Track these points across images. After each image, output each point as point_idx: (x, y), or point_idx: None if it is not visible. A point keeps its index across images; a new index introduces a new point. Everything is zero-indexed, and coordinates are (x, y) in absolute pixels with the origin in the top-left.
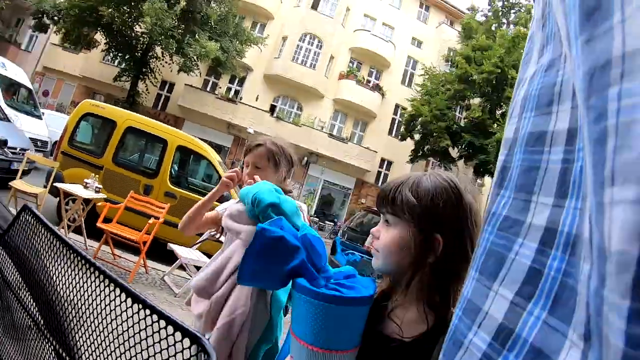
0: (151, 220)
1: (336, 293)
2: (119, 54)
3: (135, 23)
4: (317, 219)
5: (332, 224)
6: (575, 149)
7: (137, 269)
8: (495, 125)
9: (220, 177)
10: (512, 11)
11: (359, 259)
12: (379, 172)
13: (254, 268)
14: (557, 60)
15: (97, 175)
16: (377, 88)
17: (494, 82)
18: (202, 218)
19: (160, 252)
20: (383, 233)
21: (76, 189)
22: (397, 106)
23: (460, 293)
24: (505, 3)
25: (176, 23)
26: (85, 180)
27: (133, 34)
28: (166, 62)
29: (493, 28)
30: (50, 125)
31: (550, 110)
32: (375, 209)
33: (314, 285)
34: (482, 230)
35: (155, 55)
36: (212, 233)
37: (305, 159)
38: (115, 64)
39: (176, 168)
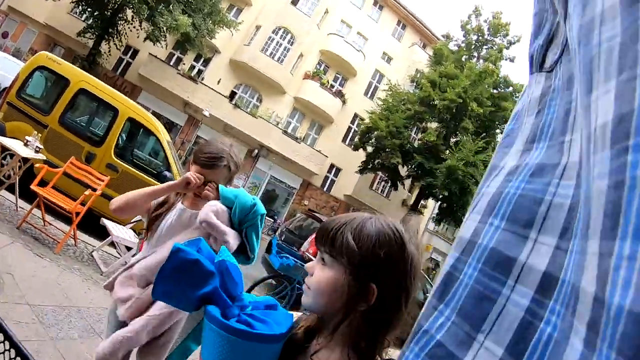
0: (87, 192)
1: (245, 328)
2: (89, 9)
3: None
4: None
5: (272, 220)
6: (549, 308)
7: (66, 240)
8: (447, 152)
9: (167, 158)
10: (485, 47)
11: (293, 263)
12: (327, 177)
13: (167, 287)
14: (550, 170)
15: (39, 134)
16: (340, 94)
17: (454, 110)
18: (144, 208)
19: (94, 225)
20: (317, 271)
21: (15, 146)
22: (355, 115)
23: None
24: (480, 38)
25: None
26: (27, 137)
27: None
28: (134, 27)
29: (463, 59)
30: (2, 69)
31: (527, 234)
32: (317, 214)
33: (227, 313)
34: (408, 348)
35: (125, 17)
36: None
37: (256, 151)
38: (83, 18)
39: (123, 140)
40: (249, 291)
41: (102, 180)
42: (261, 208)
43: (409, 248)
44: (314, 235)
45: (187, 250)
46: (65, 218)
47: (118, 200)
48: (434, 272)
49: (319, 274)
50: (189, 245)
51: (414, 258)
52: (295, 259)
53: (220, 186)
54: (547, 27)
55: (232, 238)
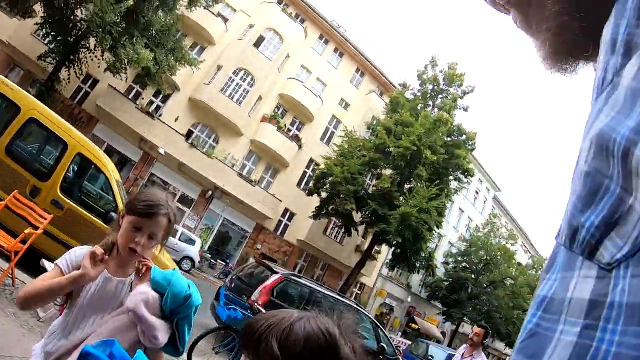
0: (28, 230)
1: None
2: (52, 33)
3: (78, 6)
4: (210, 256)
5: (224, 264)
6: None
7: (4, 280)
8: (402, 198)
9: (115, 198)
10: (440, 96)
11: (241, 316)
12: (280, 222)
13: None
14: None
15: None
16: (296, 139)
17: (408, 157)
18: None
19: (35, 264)
20: None
21: None
22: (311, 161)
23: None
24: (435, 87)
25: (118, 20)
26: None
27: (73, 17)
28: (96, 57)
29: (419, 107)
30: None
31: None
32: (269, 262)
33: None
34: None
35: (87, 46)
36: None
37: (210, 192)
38: (46, 42)
39: (71, 176)
40: (197, 341)
41: (45, 218)
42: (197, 299)
43: (343, 352)
44: (264, 285)
45: (98, 355)
46: (5, 255)
47: (22, 296)
48: (389, 317)
49: None
50: (101, 347)
51: None
52: (244, 311)
53: (154, 268)
54: (609, 203)
55: (162, 332)
